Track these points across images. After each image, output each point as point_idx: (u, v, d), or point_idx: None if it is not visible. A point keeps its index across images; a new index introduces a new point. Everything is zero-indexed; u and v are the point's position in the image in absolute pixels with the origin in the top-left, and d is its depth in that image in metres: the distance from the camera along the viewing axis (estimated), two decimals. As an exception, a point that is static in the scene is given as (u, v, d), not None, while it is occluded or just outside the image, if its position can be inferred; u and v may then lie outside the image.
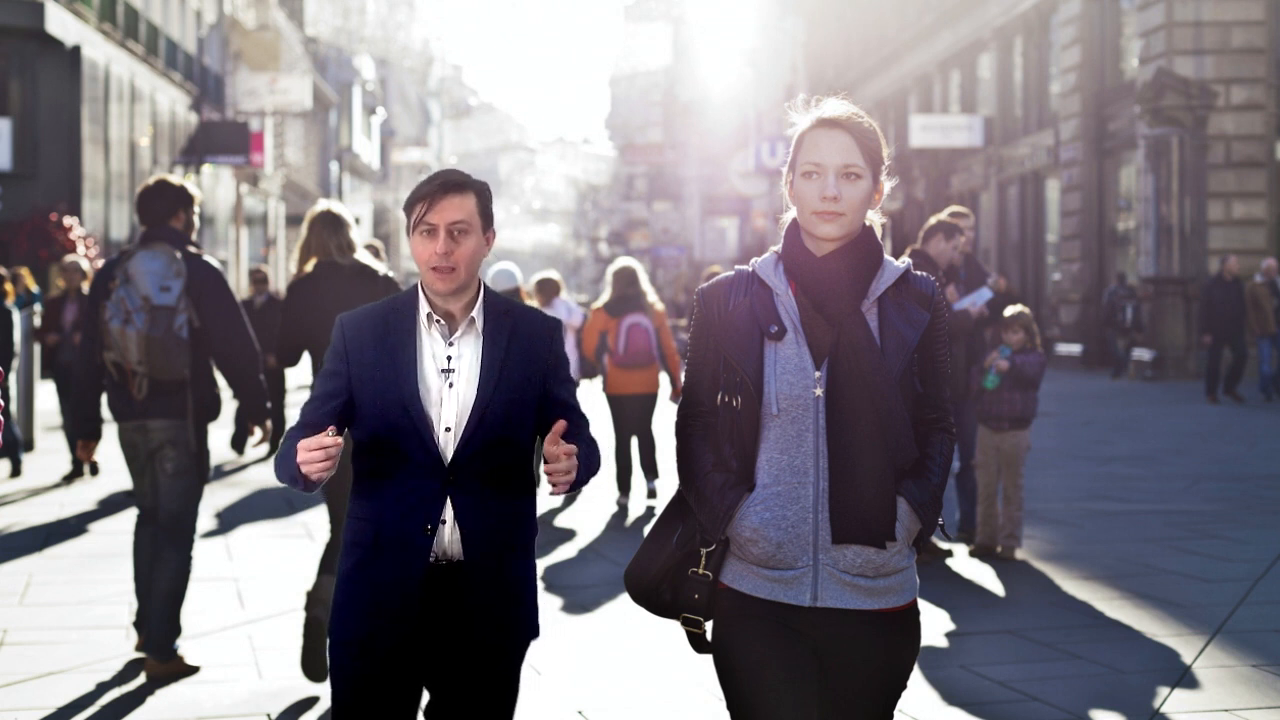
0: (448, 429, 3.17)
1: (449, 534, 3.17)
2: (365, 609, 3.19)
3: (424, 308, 3.23)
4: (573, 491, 3.25)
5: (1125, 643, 6.49)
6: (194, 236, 6.32)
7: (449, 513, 3.16)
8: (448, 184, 3.19)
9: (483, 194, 3.24)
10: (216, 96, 40.31)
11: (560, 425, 3.08)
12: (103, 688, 5.88)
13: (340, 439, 3.05)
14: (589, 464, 3.22)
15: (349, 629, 3.21)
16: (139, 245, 6.14)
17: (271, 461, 13.42)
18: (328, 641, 3.31)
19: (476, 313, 3.23)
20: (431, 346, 3.21)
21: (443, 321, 3.22)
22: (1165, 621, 6.84)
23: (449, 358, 3.20)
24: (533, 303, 11.01)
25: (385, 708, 3.22)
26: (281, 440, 3.26)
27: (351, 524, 3.25)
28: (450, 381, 3.19)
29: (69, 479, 12.14)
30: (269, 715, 5.50)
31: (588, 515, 10.48)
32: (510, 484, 3.21)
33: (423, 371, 3.19)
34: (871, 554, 2.93)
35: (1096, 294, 25.41)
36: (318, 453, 3.01)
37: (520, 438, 3.21)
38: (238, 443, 13.83)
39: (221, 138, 36.66)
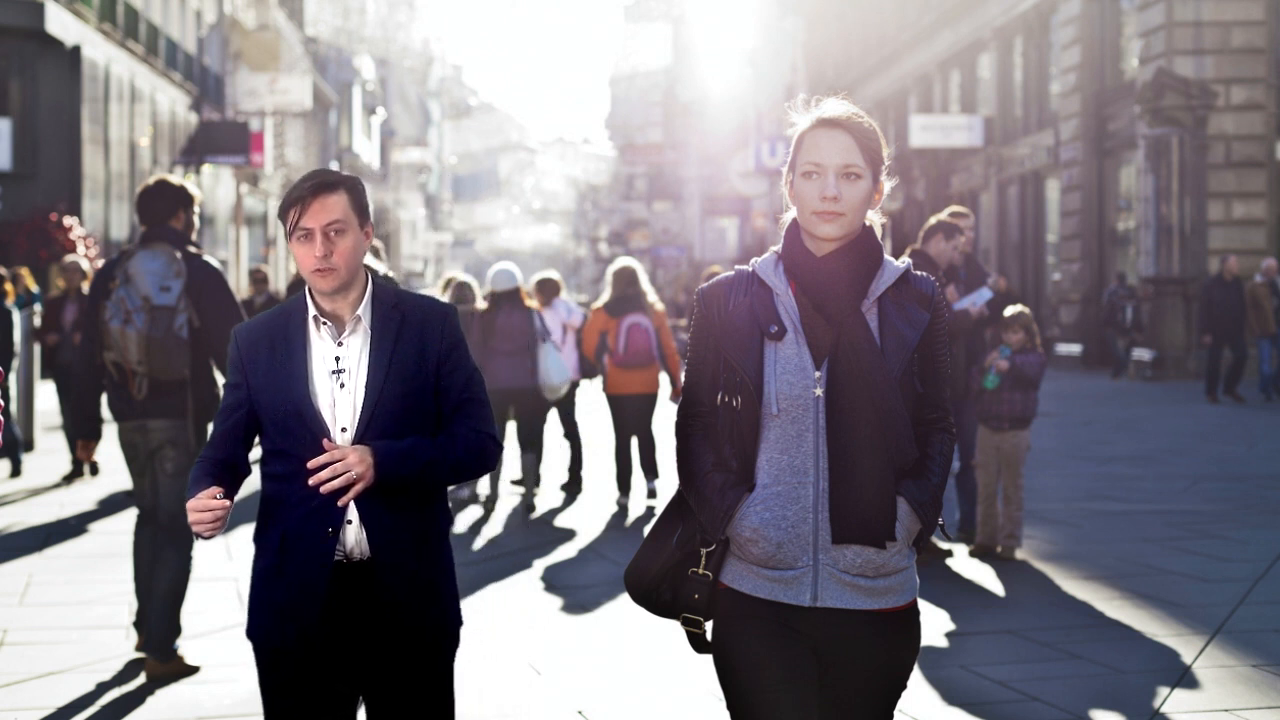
0: (343, 429, 3.18)
1: (355, 533, 3.18)
2: (276, 612, 3.21)
3: (311, 310, 3.24)
4: (453, 482, 3.27)
5: (1125, 643, 6.49)
6: (194, 236, 6.33)
7: (353, 512, 3.18)
8: (318, 186, 3.18)
9: (354, 189, 3.23)
10: (216, 96, 40.31)
11: (326, 442, 3.10)
12: (103, 688, 5.88)
13: (228, 502, 3.08)
14: (458, 456, 3.20)
15: (261, 633, 3.24)
16: (139, 245, 6.14)
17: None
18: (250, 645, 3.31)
19: (363, 310, 3.23)
20: (321, 349, 3.22)
21: (330, 323, 3.22)
22: (1165, 621, 6.84)
23: (337, 358, 3.21)
24: (533, 303, 11.01)
25: (310, 710, 3.22)
26: (200, 453, 3.30)
27: (260, 526, 3.28)
28: (341, 382, 3.20)
29: (69, 479, 12.14)
30: (269, 715, 5.49)
31: (588, 515, 10.48)
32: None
33: (313, 375, 3.20)
34: (871, 554, 2.92)
35: (1096, 294, 25.40)
36: (205, 515, 3.06)
37: (419, 430, 3.20)
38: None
39: (221, 138, 36.66)
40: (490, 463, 3.29)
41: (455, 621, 3.31)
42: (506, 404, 10.74)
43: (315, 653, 3.19)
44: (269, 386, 3.20)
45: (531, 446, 10.86)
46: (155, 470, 6.14)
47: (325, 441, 3.11)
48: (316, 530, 3.16)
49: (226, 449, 3.24)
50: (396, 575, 3.19)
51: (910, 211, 35.55)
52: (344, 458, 3.07)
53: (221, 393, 6.28)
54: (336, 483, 3.07)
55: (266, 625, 3.22)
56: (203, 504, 3.06)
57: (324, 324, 3.22)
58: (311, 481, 3.07)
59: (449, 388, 3.25)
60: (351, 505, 3.16)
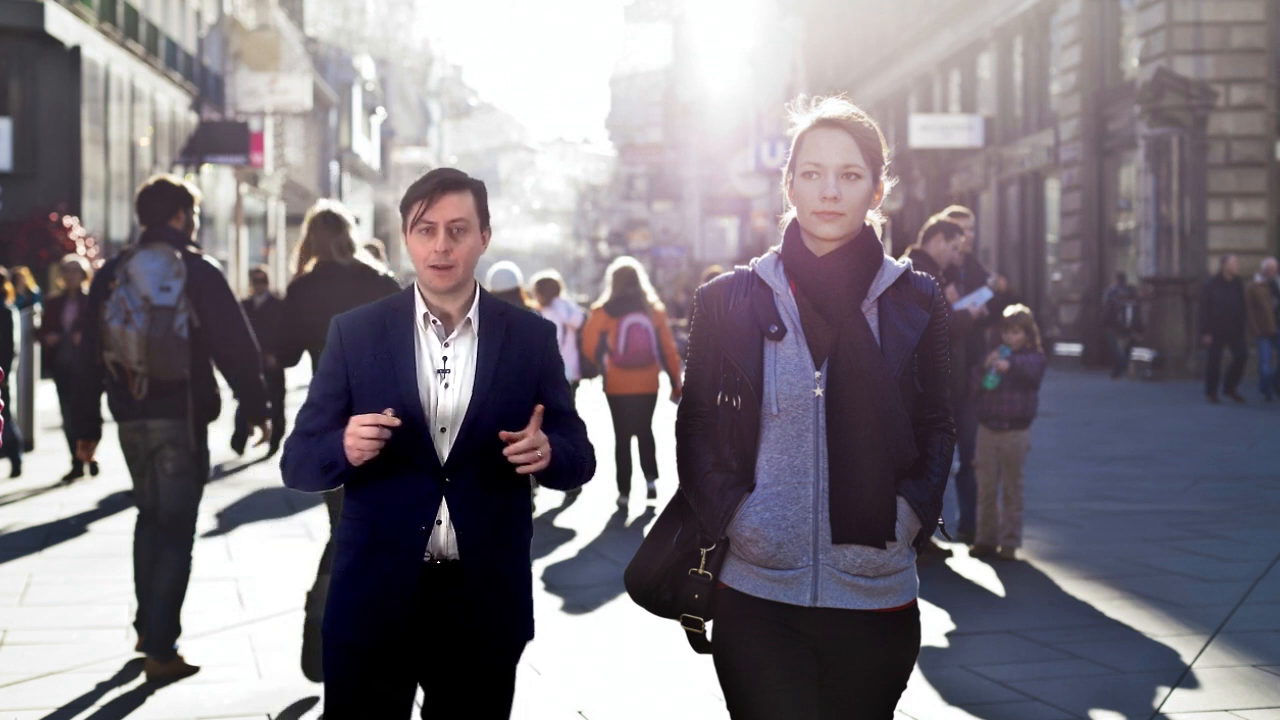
0: (443, 429, 3.16)
1: (444, 534, 3.16)
2: (361, 610, 3.18)
3: (420, 308, 3.22)
4: (562, 488, 3.26)
5: (1125, 643, 6.49)
6: (194, 236, 6.32)
7: (444, 513, 3.16)
8: (446, 182, 3.18)
9: (480, 193, 3.24)
10: (216, 96, 40.31)
11: (538, 410, 3.09)
12: (103, 688, 5.88)
13: (398, 421, 3.05)
14: (578, 463, 3.22)
15: (344, 631, 3.20)
16: (139, 245, 6.14)
17: (274, 462, 13.41)
18: (322, 643, 3.28)
19: (472, 314, 3.23)
20: (428, 347, 3.20)
21: (439, 322, 3.21)
22: (1165, 621, 6.84)
23: (445, 358, 3.20)
24: (532, 303, 11.00)
25: (380, 709, 3.20)
26: (284, 447, 3.24)
27: (345, 524, 3.24)
28: (446, 382, 3.18)
29: (69, 479, 12.14)
30: (269, 715, 5.50)
31: (588, 515, 10.48)
32: (505, 484, 3.20)
33: (420, 372, 3.18)
34: (871, 554, 2.93)
35: (1096, 294, 25.40)
36: (371, 429, 3.02)
37: None
38: (238, 443, 13.83)
39: (221, 138, 36.67)
40: (592, 475, 3.32)
41: (527, 630, 3.29)
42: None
43: (392, 652, 3.18)
44: (373, 378, 3.17)
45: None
46: (155, 470, 6.14)
47: (502, 434, 3.06)
48: (409, 527, 3.14)
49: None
50: (483, 577, 3.17)
51: (910, 211, 35.55)
52: (544, 442, 3.07)
53: (221, 394, 6.32)
54: (535, 466, 3.07)
55: (349, 622, 3.19)
56: (373, 418, 3.03)
57: (433, 322, 3.21)
58: (512, 459, 3.06)
59: (553, 405, 3.25)
60: (443, 504, 3.15)
